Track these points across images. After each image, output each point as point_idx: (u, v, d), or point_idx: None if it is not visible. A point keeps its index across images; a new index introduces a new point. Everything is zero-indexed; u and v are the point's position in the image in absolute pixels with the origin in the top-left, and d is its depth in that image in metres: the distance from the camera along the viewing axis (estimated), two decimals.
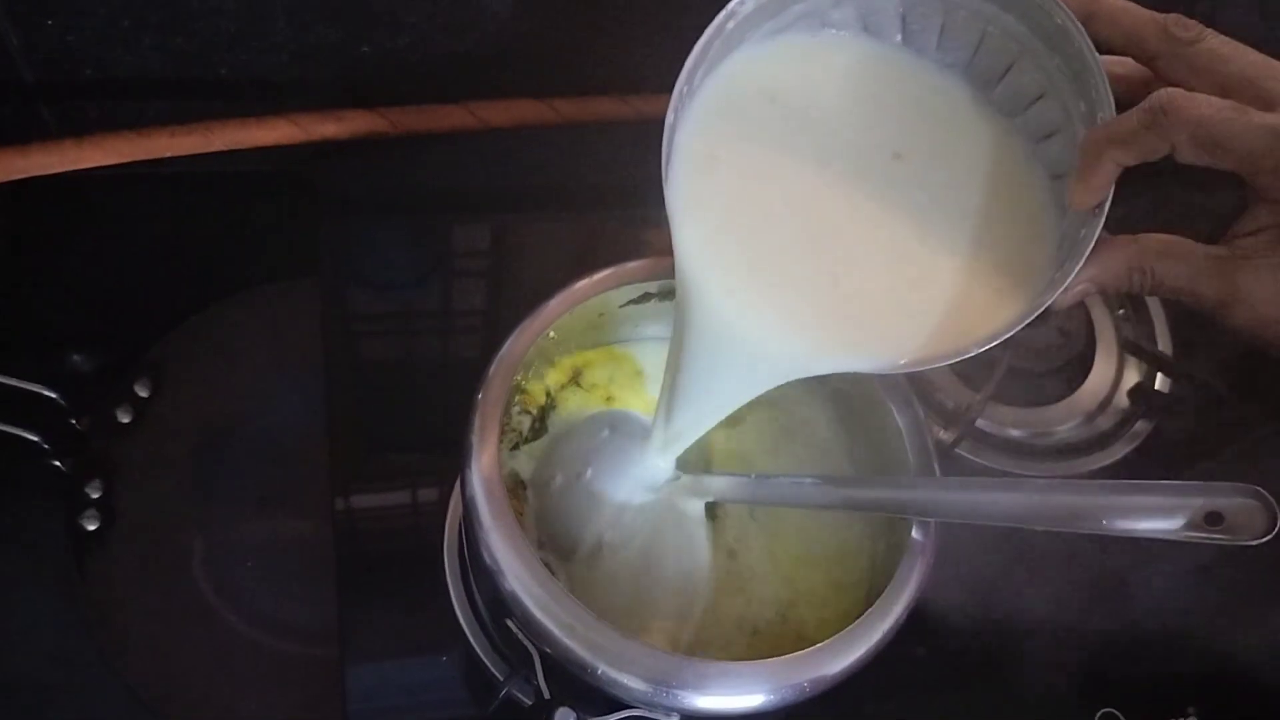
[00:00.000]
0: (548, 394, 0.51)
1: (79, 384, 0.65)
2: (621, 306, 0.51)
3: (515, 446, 0.49)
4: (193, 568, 0.62)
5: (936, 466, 0.47)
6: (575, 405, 0.51)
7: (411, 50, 0.67)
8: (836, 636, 0.41)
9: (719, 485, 0.47)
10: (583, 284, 0.49)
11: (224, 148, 0.64)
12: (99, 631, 0.60)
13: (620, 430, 0.49)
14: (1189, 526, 0.37)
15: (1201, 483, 0.37)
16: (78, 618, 0.60)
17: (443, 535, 0.58)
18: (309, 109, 0.66)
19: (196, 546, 0.63)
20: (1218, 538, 0.37)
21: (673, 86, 0.41)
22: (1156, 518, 0.37)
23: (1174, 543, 0.38)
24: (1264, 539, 0.36)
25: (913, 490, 0.46)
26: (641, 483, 0.47)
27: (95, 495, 0.63)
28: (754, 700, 0.40)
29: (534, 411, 0.50)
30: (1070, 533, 0.39)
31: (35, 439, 0.63)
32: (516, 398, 0.49)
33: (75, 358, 0.68)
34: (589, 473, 0.47)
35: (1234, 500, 0.37)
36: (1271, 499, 0.36)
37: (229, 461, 0.66)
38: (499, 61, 0.68)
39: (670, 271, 0.49)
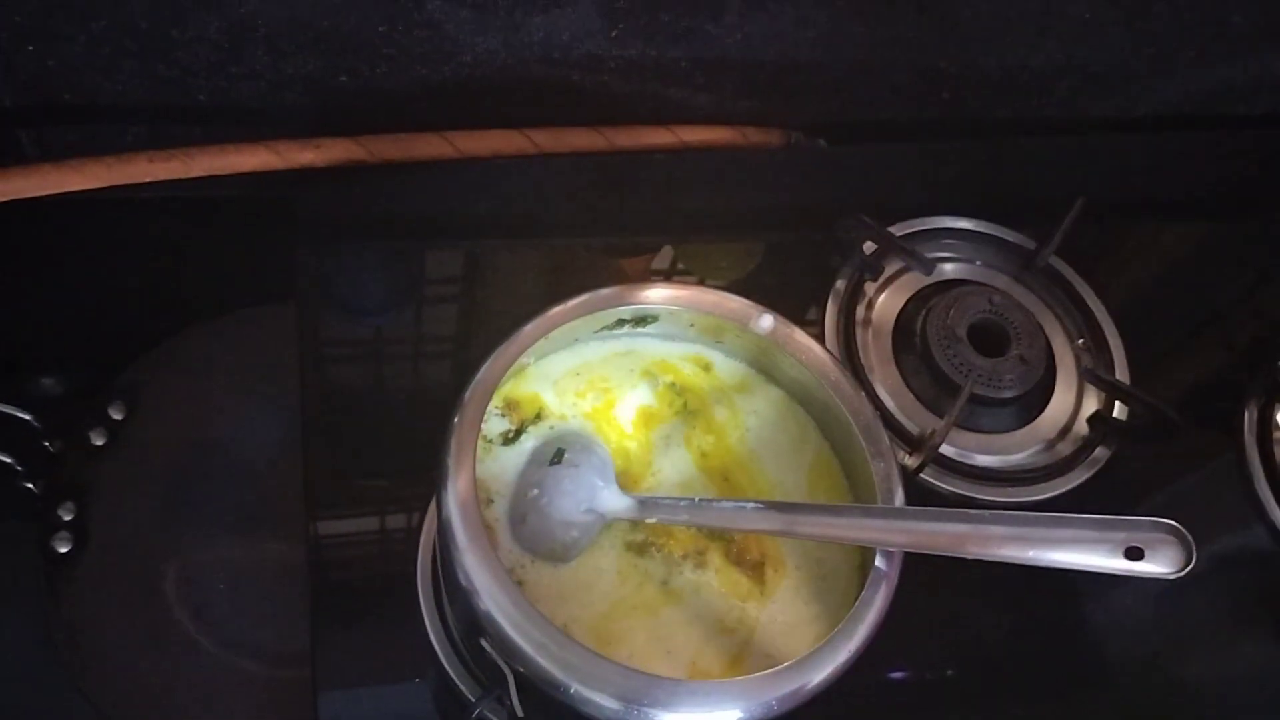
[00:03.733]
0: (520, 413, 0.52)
1: (53, 406, 0.65)
2: (596, 332, 0.52)
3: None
4: (165, 591, 0.62)
5: (901, 493, 0.48)
6: (543, 427, 0.52)
7: (389, 80, 0.68)
8: (803, 656, 0.42)
9: (661, 508, 0.48)
10: (557, 310, 0.49)
11: (202, 174, 0.64)
12: (70, 654, 0.60)
13: (578, 455, 0.50)
14: (1111, 560, 0.38)
15: (1122, 518, 0.38)
16: (49, 641, 0.60)
17: (416, 558, 0.58)
18: (287, 137, 0.66)
19: (169, 569, 0.63)
20: (1138, 571, 0.38)
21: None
22: (1080, 551, 0.38)
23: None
24: (1181, 573, 0.37)
25: (845, 519, 0.46)
26: (591, 507, 0.48)
27: (68, 517, 0.63)
28: (725, 717, 0.41)
29: (511, 418, 0.51)
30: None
31: (8, 460, 0.63)
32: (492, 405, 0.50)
33: (49, 380, 0.68)
34: (532, 492, 0.48)
35: (1153, 535, 0.38)
36: (1188, 534, 0.37)
37: (203, 484, 0.66)
38: (476, 93, 0.70)
39: (642, 299, 0.50)
